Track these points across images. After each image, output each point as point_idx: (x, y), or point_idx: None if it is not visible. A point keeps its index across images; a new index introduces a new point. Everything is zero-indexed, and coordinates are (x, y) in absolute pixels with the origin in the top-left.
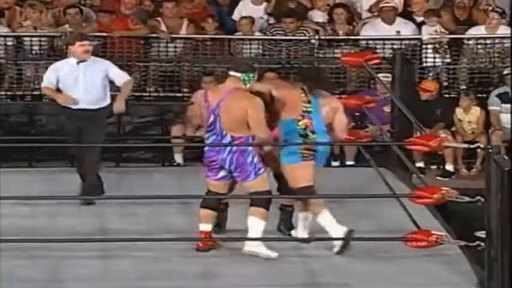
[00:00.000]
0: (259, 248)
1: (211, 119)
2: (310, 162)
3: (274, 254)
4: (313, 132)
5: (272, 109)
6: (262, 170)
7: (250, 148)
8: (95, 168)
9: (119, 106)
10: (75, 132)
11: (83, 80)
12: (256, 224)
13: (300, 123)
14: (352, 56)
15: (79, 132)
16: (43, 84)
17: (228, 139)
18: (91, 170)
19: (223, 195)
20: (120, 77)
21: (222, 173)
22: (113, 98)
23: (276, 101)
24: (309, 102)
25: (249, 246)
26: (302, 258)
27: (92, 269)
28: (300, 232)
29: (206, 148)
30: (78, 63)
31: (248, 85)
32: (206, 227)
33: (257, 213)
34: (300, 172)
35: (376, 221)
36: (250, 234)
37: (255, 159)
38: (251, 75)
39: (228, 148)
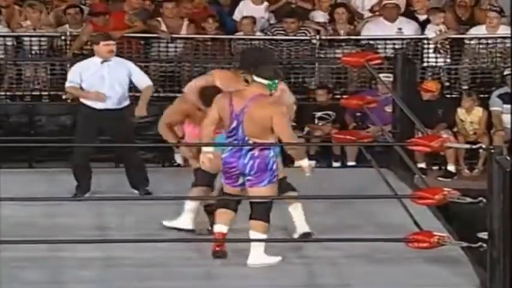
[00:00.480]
0: (264, 259)
1: (234, 124)
2: None
3: (278, 258)
4: None
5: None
6: (276, 178)
7: (271, 154)
8: (143, 167)
9: (141, 111)
10: (94, 133)
11: (108, 79)
12: (259, 242)
13: None
14: (354, 56)
15: (99, 132)
16: (68, 84)
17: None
18: (139, 169)
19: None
20: (142, 80)
21: (241, 180)
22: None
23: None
24: None
25: (254, 259)
26: (302, 259)
27: (93, 271)
28: (299, 226)
29: (224, 155)
30: (102, 62)
31: (273, 91)
32: (222, 228)
33: (258, 227)
34: None
35: (377, 221)
36: (252, 250)
37: (274, 166)
38: (277, 81)
39: (250, 154)
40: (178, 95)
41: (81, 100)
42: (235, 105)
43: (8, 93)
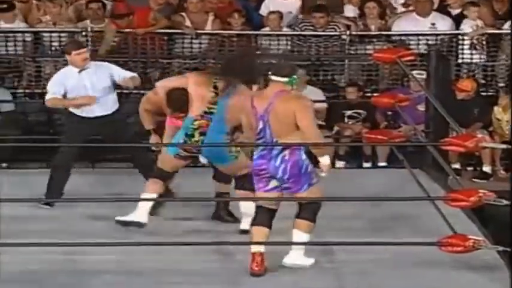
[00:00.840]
0: (301, 260)
1: (261, 125)
2: (184, 161)
3: (312, 260)
4: (201, 134)
5: (183, 105)
6: (315, 179)
7: (303, 157)
8: (152, 167)
9: (128, 81)
10: (82, 141)
11: (90, 88)
12: (300, 238)
13: (195, 122)
14: (385, 52)
15: (89, 141)
16: (50, 96)
17: (279, 147)
18: (149, 169)
19: (275, 210)
20: (126, 74)
21: (273, 183)
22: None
23: (189, 96)
24: (215, 103)
25: (291, 259)
26: (331, 263)
27: (111, 275)
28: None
29: (255, 156)
30: (80, 71)
31: (294, 87)
32: (260, 248)
33: (302, 226)
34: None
35: (409, 224)
36: (293, 249)
37: (309, 168)
38: (295, 76)
39: (280, 156)
40: None
41: (70, 109)
42: (258, 106)
43: (26, 90)
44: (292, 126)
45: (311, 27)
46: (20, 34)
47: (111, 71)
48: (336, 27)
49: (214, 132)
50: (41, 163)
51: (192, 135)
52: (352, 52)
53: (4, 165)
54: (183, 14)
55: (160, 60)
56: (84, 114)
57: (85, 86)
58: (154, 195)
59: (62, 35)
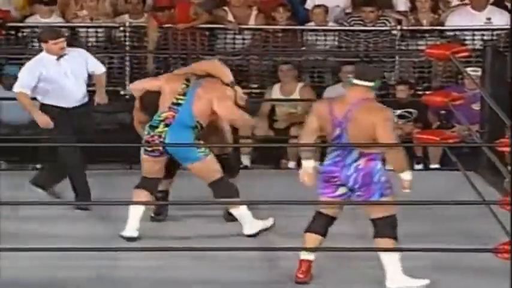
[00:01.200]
0: (407, 282)
1: (337, 132)
2: (156, 158)
3: (425, 282)
4: (166, 125)
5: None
6: (389, 191)
7: (379, 166)
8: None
9: (104, 98)
10: (71, 132)
11: (71, 75)
12: (390, 260)
13: (162, 114)
14: (438, 48)
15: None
16: (19, 89)
17: (354, 155)
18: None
19: (333, 218)
20: (98, 66)
21: (341, 190)
22: None
23: (161, 94)
24: (184, 94)
25: (395, 283)
26: (380, 269)
27: (146, 276)
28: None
29: (327, 162)
30: (58, 58)
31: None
32: (309, 255)
33: (386, 245)
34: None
35: (463, 229)
36: (388, 272)
37: (383, 178)
38: (378, 81)
39: (354, 165)
40: (245, 91)
41: (44, 102)
42: (337, 111)
43: None
44: (371, 138)
45: (360, 22)
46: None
47: (87, 58)
48: (386, 21)
49: (179, 125)
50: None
51: (156, 127)
52: (403, 48)
53: (39, 166)
54: (226, 8)
55: (201, 56)
56: (62, 104)
57: (65, 73)
58: (141, 207)
59: (99, 30)
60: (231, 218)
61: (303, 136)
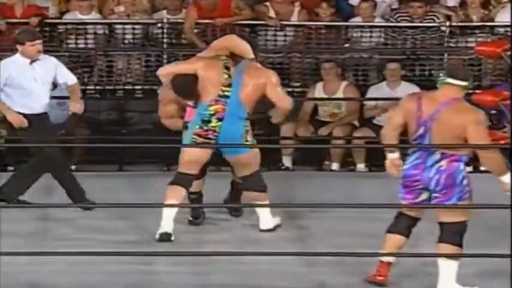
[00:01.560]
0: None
1: (421, 131)
2: (201, 153)
3: None
4: (219, 120)
5: (191, 91)
6: (467, 195)
7: (461, 167)
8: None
9: (80, 107)
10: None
11: (40, 81)
12: (448, 266)
13: (210, 108)
14: (489, 45)
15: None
16: None
17: (436, 157)
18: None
19: (416, 219)
20: (69, 76)
21: (423, 196)
22: None
23: (199, 82)
24: (229, 85)
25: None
26: (429, 276)
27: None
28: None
29: (405, 166)
30: (31, 62)
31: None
32: (390, 258)
33: (446, 252)
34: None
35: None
36: (441, 277)
37: (465, 181)
38: (471, 80)
39: (436, 167)
40: (287, 89)
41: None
42: (425, 110)
43: (97, 87)
44: (459, 140)
45: (407, 18)
46: (91, 26)
47: (56, 66)
48: (434, 17)
49: (232, 117)
50: (111, 165)
51: (209, 121)
52: (452, 45)
53: (73, 167)
54: (267, 3)
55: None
56: (27, 111)
57: (35, 78)
58: (175, 202)
59: (136, 27)
60: (236, 213)
61: (385, 130)
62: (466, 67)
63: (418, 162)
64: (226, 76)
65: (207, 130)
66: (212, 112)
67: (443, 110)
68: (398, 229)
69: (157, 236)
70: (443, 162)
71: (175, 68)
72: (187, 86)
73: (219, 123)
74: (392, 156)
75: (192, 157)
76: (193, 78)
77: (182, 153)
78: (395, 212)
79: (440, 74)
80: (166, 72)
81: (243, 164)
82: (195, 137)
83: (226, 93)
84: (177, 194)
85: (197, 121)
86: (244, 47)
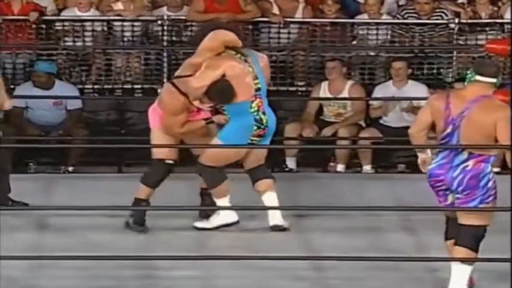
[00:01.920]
0: None
1: (449, 129)
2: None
3: None
4: (264, 114)
5: (232, 94)
6: (491, 198)
7: (488, 169)
8: None
9: (9, 101)
10: None
11: None
12: (460, 270)
13: (253, 105)
14: (499, 42)
15: None
16: None
17: (463, 156)
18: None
19: (454, 221)
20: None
21: (450, 198)
22: None
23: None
24: (256, 77)
25: None
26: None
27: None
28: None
29: (431, 166)
30: None
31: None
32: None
33: (461, 255)
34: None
35: None
36: (452, 280)
37: (490, 184)
38: (500, 77)
39: (462, 166)
40: (291, 88)
41: None
42: (453, 108)
43: (95, 86)
44: (489, 138)
45: (414, 15)
46: (89, 23)
47: None
48: (442, 14)
49: (268, 108)
50: (110, 167)
51: (261, 119)
52: (461, 42)
53: (71, 169)
54: (271, 0)
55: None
56: None
57: None
58: (227, 197)
59: (136, 24)
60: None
61: (413, 131)
62: (495, 63)
63: (444, 162)
64: (250, 69)
65: (264, 128)
66: (256, 108)
67: (472, 107)
68: (452, 234)
69: (227, 222)
70: (470, 162)
71: (206, 81)
72: (228, 91)
73: (265, 116)
74: (424, 156)
75: (237, 157)
76: (228, 81)
77: (226, 152)
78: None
79: (468, 72)
80: (200, 86)
81: (265, 151)
82: (254, 138)
83: (258, 85)
84: (225, 188)
85: (250, 121)
86: (235, 38)
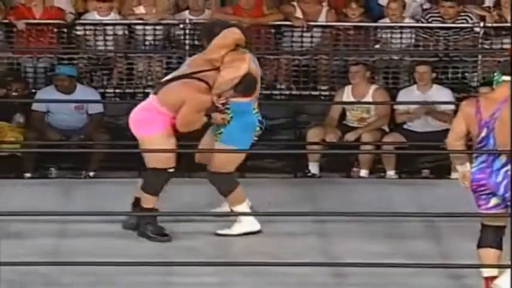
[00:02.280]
0: None
1: (484, 133)
2: None
3: None
4: (261, 116)
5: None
6: None
7: None
8: None
9: None
10: None
11: None
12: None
13: (255, 105)
14: None
15: None
16: None
17: (502, 159)
18: None
19: (502, 228)
20: None
21: (494, 201)
22: None
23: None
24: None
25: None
26: None
27: None
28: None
29: (473, 169)
30: None
31: None
32: (491, 272)
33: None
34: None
35: None
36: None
37: None
38: None
39: (504, 170)
40: (314, 93)
41: None
42: (484, 111)
43: (117, 90)
44: None
45: (439, 18)
46: (110, 27)
47: None
48: (467, 18)
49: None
50: (131, 172)
51: (262, 121)
52: (486, 47)
53: (92, 174)
54: (294, 3)
55: (266, 56)
56: None
57: None
58: (246, 202)
59: (157, 28)
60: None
61: (450, 140)
62: None
63: (484, 166)
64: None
65: (263, 130)
66: (257, 109)
67: (502, 107)
68: (486, 243)
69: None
70: (510, 166)
71: (240, 71)
72: (254, 85)
73: (262, 119)
74: (464, 169)
75: (242, 159)
76: (253, 74)
77: (233, 155)
78: (481, 226)
79: (495, 74)
80: (234, 77)
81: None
82: (256, 139)
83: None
84: (241, 193)
85: (254, 122)
86: (243, 36)
